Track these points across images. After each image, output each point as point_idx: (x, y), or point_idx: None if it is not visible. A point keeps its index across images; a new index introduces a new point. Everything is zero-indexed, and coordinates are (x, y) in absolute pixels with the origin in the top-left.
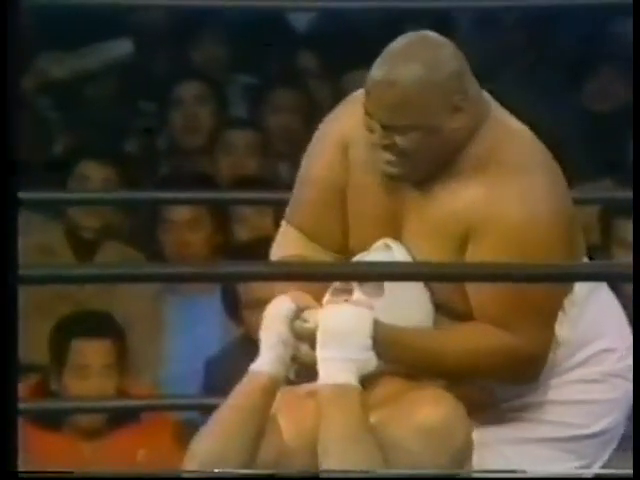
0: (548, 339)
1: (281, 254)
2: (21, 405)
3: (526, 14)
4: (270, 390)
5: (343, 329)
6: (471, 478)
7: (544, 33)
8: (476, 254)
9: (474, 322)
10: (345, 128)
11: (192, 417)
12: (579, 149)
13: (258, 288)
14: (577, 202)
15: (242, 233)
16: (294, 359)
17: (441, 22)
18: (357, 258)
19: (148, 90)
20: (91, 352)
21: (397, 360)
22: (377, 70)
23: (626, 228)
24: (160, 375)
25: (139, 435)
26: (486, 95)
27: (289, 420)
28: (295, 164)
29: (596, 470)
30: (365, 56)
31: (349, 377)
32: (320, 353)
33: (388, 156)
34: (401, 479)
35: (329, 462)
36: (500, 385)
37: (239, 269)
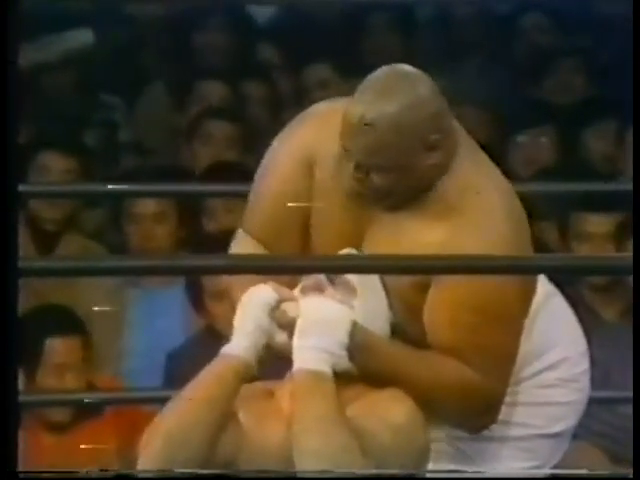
0: (506, 381)
1: None
2: (21, 398)
3: (485, 8)
4: (241, 374)
5: (324, 321)
6: (448, 478)
7: (503, 27)
8: (436, 298)
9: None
10: (309, 144)
11: (155, 411)
12: (540, 142)
13: (223, 279)
14: (537, 195)
15: (210, 225)
16: (267, 348)
17: (400, 16)
18: None
19: (110, 82)
20: (63, 350)
21: (365, 365)
22: (354, 108)
23: (585, 221)
24: (122, 368)
25: (103, 429)
26: (456, 125)
27: (250, 416)
28: (260, 155)
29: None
30: (326, 49)
31: (324, 366)
32: (297, 341)
33: (360, 187)
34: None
35: (308, 444)
36: (455, 426)
37: (204, 262)
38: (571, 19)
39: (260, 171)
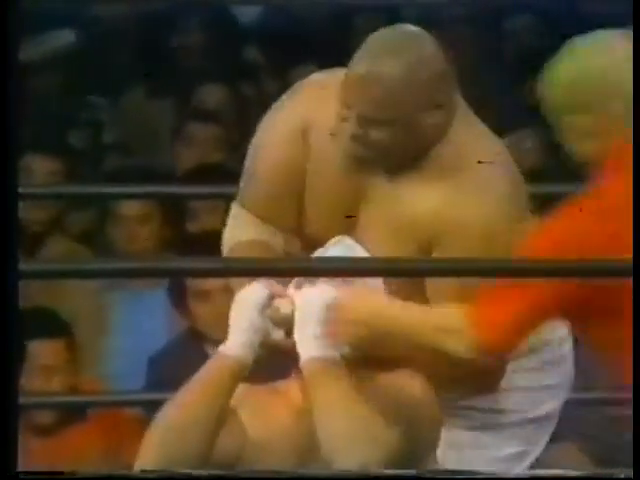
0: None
1: (235, 239)
2: (21, 400)
3: (474, 8)
4: (237, 373)
5: (321, 308)
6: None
7: (493, 28)
8: None
9: None
10: (304, 113)
11: (139, 414)
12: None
13: (205, 279)
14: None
15: (194, 227)
16: (263, 345)
17: (387, 18)
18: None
19: (93, 83)
20: (47, 352)
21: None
22: (361, 63)
23: None
24: (107, 370)
25: (88, 432)
26: (456, 92)
27: (255, 415)
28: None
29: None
30: (312, 51)
31: (331, 351)
32: (300, 333)
33: (357, 147)
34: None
35: (332, 426)
36: (458, 390)
37: (203, 264)
38: (562, 20)
39: (254, 142)
